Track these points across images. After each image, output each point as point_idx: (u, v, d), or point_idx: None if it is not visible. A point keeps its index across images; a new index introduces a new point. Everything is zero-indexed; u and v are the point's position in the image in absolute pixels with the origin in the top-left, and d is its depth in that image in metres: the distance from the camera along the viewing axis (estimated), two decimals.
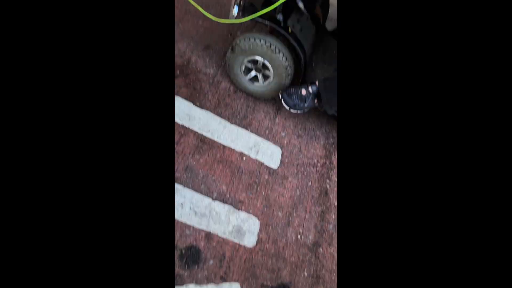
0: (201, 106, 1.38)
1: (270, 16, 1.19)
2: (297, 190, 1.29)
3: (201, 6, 1.25)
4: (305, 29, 1.27)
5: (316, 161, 1.41)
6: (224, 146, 1.28)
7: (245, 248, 1.07)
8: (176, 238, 1.01)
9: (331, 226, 1.24)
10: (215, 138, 1.29)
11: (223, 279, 0.99)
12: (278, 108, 1.49)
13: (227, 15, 1.28)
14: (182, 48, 1.50)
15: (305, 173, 1.35)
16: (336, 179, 1.39)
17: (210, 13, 1.25)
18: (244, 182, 1.22)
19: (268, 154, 1.34)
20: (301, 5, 1.23)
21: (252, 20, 1.19)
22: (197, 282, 0.96)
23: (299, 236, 1.17)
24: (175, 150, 1.19)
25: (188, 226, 1.04)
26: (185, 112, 1.32)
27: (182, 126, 1.27)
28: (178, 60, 1.46)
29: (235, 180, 1.21)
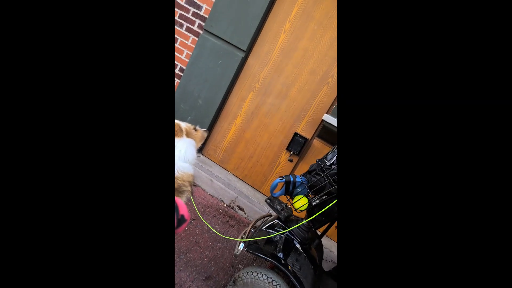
0: None
1: (271, 253, 1.34)
2: None
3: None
4: (304, 267, 1.37)
5: None
6: None
7: None
8: None
9: None
10: None
11: None
12: None
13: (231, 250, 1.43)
14: (184, 277, 1.53)
15: None
16: None
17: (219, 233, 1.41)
18: None
19: None
20: (298, 246, 1.42)
21: (254, 254, 1.33)
22: None
23: None
24: None
25: None
26: None
27: None
28: None
29: None
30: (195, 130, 1.38)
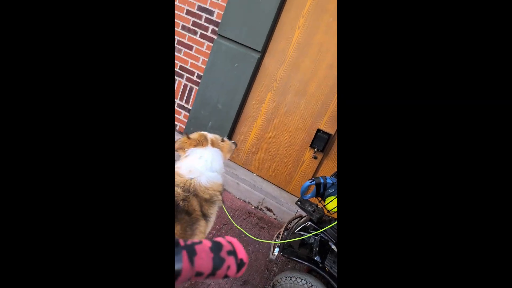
0: None
1: (307, 256, 1.34)
2: None
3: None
4: None
5: None
6: None
7: None
8: None
9: None
10: None
11: None
12: None
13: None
14: (222, 283, 1.56)
15: None
16: None
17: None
18: None
19: None
20: (333, 247, 1.40)
21: (290, 259, 1.33)
22: None
23: None
24: None
25: None
26: None
27: None
28: None
29: None
30: (223, 141, 1.39)
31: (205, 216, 1.20)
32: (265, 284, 1.44)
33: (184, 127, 2.74)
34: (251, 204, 2.40)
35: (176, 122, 2.78)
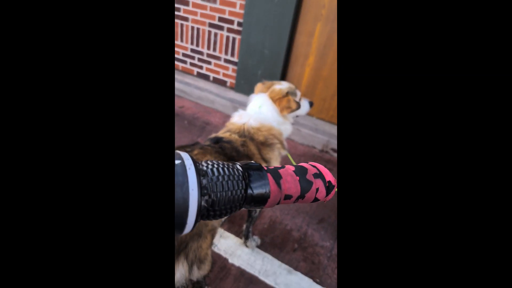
0: (321, 283, 1.26)
1: None
2: None
3: None
4: None
5: None
6: None
7: None
8: None
9: None
10: None
11: None
12: None
13: None
14: (299, 222, 1.61)
15: None
16: None
17: None
18: None
19: None
20: None
21: None
22: None
23: None
24: None
25: None
26: None
27: None
28: (295, 234, 1.53)
29: None
30: (287, 95, 1.29)
31: (265, 160, 1.20)
32: None
33: (234, 82, 2.70)
34: (316, 148, 2.33)
35: (225, 78, 2.75)
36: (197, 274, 0.90)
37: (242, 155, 1.11)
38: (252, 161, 0.37)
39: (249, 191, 0.33)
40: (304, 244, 1.47)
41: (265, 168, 0.38)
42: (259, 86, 1.39)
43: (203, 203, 0.25)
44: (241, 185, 0.31)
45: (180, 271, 0.84)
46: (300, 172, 0.41)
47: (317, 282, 1.27)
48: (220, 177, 0.27)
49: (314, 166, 0.42)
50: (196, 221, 0.25)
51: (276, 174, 0.38)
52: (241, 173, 0.32)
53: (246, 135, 1.18)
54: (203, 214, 0.26)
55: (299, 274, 1.30)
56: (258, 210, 1.39)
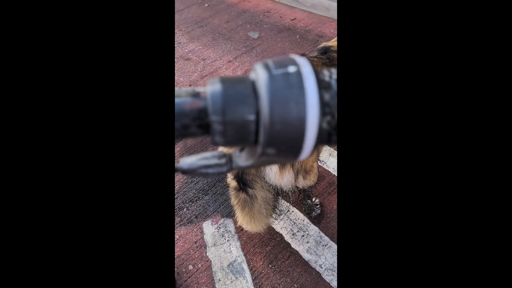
0: None
1: None
2: None
3: None
4: None
5: None
6: None
7: None
8: None
9: None
10: None
11: None
12: None
13: None
14: None
15: None
16: None
17: None
18: None
19: None
20: None
21: None
22: None
23: None
24: None
25: None
26: None
27: None
28: None
29: None
30: None
31: None
32: None
33: None
34: None
35: None
36: (302, 183, 0.96)
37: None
38: None
39: None
40: None
41: None
42: None
43: (324, 125, 0.20)
44: None
45: (287, 177, 0.91)
46: None
47: None
48: None
49: None
50: (315, 146, 0.20)
51: None
52: None
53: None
54: (322, 138, 0.21)
55: None
56: None
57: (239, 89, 0.18)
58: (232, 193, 0.99)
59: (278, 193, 1.01)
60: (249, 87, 0.18)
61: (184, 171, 0.21)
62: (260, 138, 0.18)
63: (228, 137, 0.18)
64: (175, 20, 2.62)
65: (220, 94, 0.17)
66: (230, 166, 0.21)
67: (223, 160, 0.21)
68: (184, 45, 2.28)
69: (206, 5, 2.80)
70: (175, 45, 2.29)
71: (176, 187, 1.39)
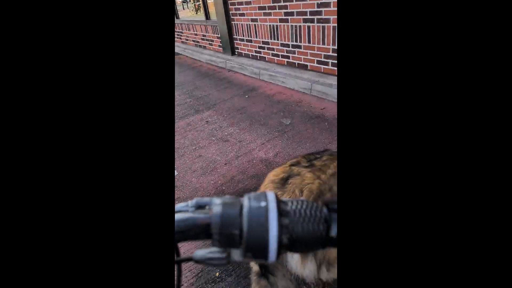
0: None
1: None
2: None
3: None
4: None
5: None
6: None
7: None
8: None
9: None
10: None
11: None
12: None
13: None
14: None
15: None
16: None
17: None
18: None
19: None
20: None
21: None
22: None
23: None
24: None
25: None
26: None
27: None
28: None
29: None
30: None
31: None
32: None
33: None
34: None
35: None
36: (326, 275, 0.92)
37: None
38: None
39: (331, 233, 0.31)
40: None
41: None
42: None
43: (284, 240, 0.28)
44: (322, 227, 0.30)
45: (309, 267, 0.89)
46: None
47: None
48: (301, 219, 0.29)
49: None
50: (279, 254, 0.28)
51: None
52: (324, 216, 0.31)
53: None
54: (285, 248, 0.29)
55: None
56: None
57: (231, 212, 0.28)
58: (253, 278, 0.98)
59: (299, 284, 0.98)
60: (237, 211, 0.28)
61: (197, 261, 0.29)
62: (242, 245, 0.27)
63: (222, 243, 0.28)
64: (221, 109, 3.05)
65: (219, 216, 0.27)
66: (228, 259, 0.29)
67: (224, 255, 0.29)
68: (224, 128, 2.60)
69: (247, 96, 3.26)
70: (217, 129, 2.62)
71: (201, 266, 1.40)
